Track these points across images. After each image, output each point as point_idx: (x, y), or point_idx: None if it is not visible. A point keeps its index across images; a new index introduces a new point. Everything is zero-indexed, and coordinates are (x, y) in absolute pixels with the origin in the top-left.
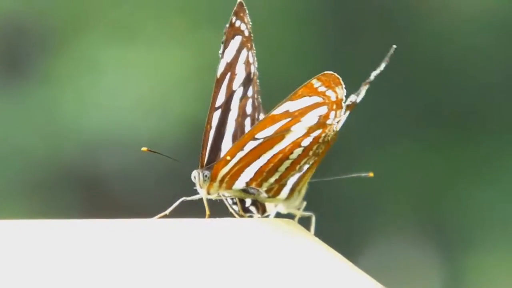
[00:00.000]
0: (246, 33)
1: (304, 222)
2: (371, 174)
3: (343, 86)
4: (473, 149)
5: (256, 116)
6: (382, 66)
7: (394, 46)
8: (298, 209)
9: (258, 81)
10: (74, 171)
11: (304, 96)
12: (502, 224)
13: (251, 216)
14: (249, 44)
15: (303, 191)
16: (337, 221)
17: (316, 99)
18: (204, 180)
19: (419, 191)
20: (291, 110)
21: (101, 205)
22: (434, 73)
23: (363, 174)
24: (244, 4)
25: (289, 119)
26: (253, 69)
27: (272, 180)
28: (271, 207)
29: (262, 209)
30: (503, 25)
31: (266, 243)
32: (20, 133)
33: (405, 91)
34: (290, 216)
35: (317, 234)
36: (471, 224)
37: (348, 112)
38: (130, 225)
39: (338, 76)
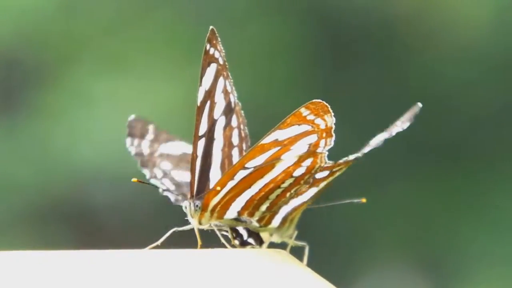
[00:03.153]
0: (221, 61)
1: (298, 252)
2: (363, 200)
3: (332, 114)
4: (465, 183)
5: (244, 147)
6: (406, 125)
7: (420, 105)
8: (291, 238)
9: (242, 112)
10: (66, 204)
11: (293, 124)
12: (495, 258)
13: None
14: (225, 73)
15: (296, 220)
16: (330, 251)
17: (305, 127)
18: (195, 210)
19: (412, 224)
20: (280, 139)
21: (93, 238)
22: (426, 106)
23: (355, 200)
24: (215, 31)
25: (279, 148)
26: (232, 98)
27: (263, 207)
28: (267, 237)
29: (260, 241)
30: (492, 56)
31: (257, 273)
32: (11, 166)
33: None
34: (284, 245)
35: (310, 264)
36: (464, 257)
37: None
38: (121, 256)
39: (327, 104)
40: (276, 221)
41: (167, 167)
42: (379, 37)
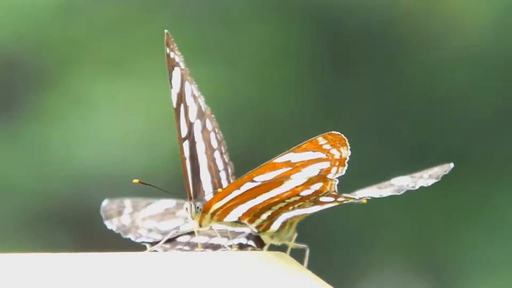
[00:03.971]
0: (182, 66)
1: (298, 254)
2: (364, 201)
3: (349, 147)
4: (466, 186)
5: (223, 150)
6: (431, 182)
7: (452, 165)
8: (291, 240)
9: (213, 116)
10: (65, 207)
11: (308, 150)
12: (495, 261)
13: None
14: (188, 78)
15: (295, 223)
16: (330, 254)
17: (320, 155)
18: (196, 212)
19: (413, 227)
20: (292, 161)
21: (93, 240)
22: (426, 107)
23: (356, 201)
24: (170, 35)
25: (290, 168)
26: (201, 103)
27: (264, 216)
28: (268, 240)
29: (260, 243)
30: (493, 58)
31: (257, 276)
32: (11, 169)
33: (400, 127)
34: (284, 248)
35: (310, 266)
36: (464, 260)
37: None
38: (122, 259)
39: (344, 137)
40: (275, 226)
41: (151, 225)
42: (379, 39)
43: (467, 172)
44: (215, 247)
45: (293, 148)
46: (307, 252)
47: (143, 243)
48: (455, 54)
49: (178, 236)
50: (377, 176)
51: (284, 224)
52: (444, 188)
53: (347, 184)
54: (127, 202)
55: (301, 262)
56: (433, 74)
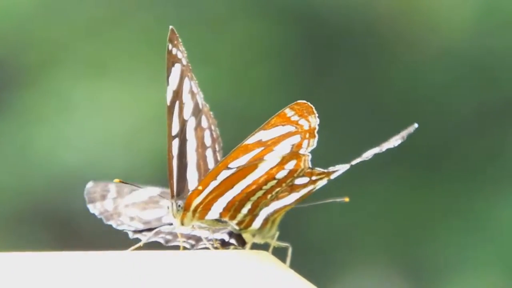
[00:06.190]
0: (184, 62)
1: (280, 253)
2: (346, 199)
3: (316, 115)
4: (446, 186)
5: (217, 148)
6: (397, 142)
7: (416, 125)
8: (273, 238)
9: (211, 113)
10: (46, 207)
11: (277, 125)
12: (474, 260)
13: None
14: (189, 74)
15: (277, 221)
16: (312, 252)
17: (289, 128)
18: (178, 210)
19: (393, 226)
20: (263, 140)
21: (74, 241)
22: (407, 108)
23: (338, 200)
24: (175, 31)
25: (262, 148)
26: (199, 99)
27: (244, 210)
28: (250, 238)
29: (242, 242)
30: (474, 58)
31: (238, 274)
32: None
33: (381, 127)
34: (267, 246)
35: (292, 265)
36: (443, 260)
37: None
38: (103, 258)
39: (311, 105)
40: (256, 223)
41: (133, 213)
42: (361, 39)
43: (448, 172)
44: (197, 239)
45: (262, 125)
46: (290, 250)
47: (124, 231)
48: (436, 53)
49: (161, 226)
50: (358, 172)
51: (266, 221)
52: (426, 188)
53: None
54: (112, 187)
55: (283, 261)
56: (414, 74)
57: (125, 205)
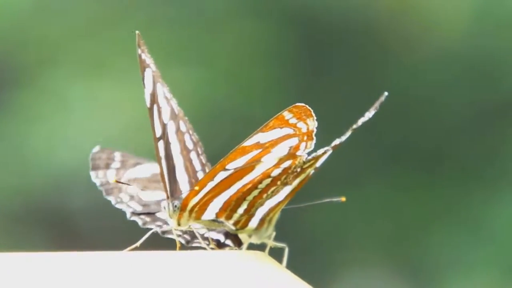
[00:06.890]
0: (153, 68)
1: (276, 253)
2: (343, 199)
3: (314, 118)
4: (443, 186)
5: (199, 151)
6: (372, 113)
7: (386, 93)
8: (270, 239)
9: (187, 118)
10: (43, 207)
11: (275, 127)
12: (471, 260)
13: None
14: (160, 80)
15: (274, 221)
16: (309, 253)
17: (287, 130)
18: (174, 210)
19: (390, 226)
20: (261, 142)
21: (71, 241)
22: (404, 108)
23: (335, 199)
24: (141, 36)
25: (260, 150)
26: (174, 105)
27: (240, 210)
28: (246, 239)
29: (238, 242)
30: (471, 58)
31: (235, 275)
32: None
33: (379, 128)
34: (263, 247)
35: (288, 265)
36: (440, 260)
37: (329, 152)
38: (100, 258)
39: (309, 108)
40: (253, 223)
41: (133, 191)
42: (358, 40)
43: (446, 172)
44: (193, 235)
45: (261, 127)
46: (286, 251)
47: (122, 210)
48: (434, 54)
49: (158, 211)
50: (354, 172)
51: (262, 221)
52: (424, 188)
53: (326, 180)
54: (117, 155)
55: (280, 261)
56: (412, 74)
57: (128, 179)
